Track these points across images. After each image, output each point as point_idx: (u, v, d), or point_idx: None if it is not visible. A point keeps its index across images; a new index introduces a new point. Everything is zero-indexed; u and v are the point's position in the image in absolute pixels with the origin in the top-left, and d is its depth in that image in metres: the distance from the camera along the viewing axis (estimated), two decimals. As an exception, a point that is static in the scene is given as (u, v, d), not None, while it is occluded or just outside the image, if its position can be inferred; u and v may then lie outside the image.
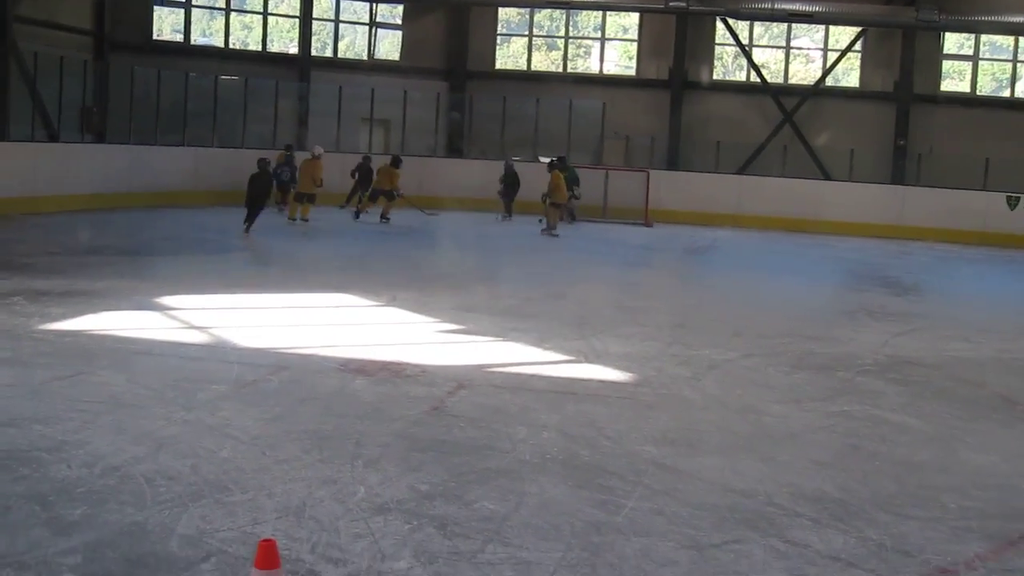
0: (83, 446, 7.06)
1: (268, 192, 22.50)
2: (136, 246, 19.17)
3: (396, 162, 26.10)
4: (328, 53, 35.37)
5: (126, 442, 7.19)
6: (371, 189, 26.18)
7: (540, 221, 25.16)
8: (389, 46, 36.10)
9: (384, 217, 25.32)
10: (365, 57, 35.59)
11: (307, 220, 23.95)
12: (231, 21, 33.54)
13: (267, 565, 4.19)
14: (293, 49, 34.48)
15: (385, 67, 34.96)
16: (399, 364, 10.07)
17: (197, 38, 33.29)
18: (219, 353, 10.31)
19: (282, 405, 8.42)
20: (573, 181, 28.28)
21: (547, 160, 26.82)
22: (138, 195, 25.65)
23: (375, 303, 13.80)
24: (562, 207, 25.78)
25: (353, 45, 36.58)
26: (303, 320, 12.52)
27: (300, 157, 26.08)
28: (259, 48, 33.82)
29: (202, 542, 5.57)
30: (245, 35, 34.95)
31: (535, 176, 28.05)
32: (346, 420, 8.05)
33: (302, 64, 33.63)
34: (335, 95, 31.92)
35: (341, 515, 6.05)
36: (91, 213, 23.14)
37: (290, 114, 32.25)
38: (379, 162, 26.68)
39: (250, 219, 21.30)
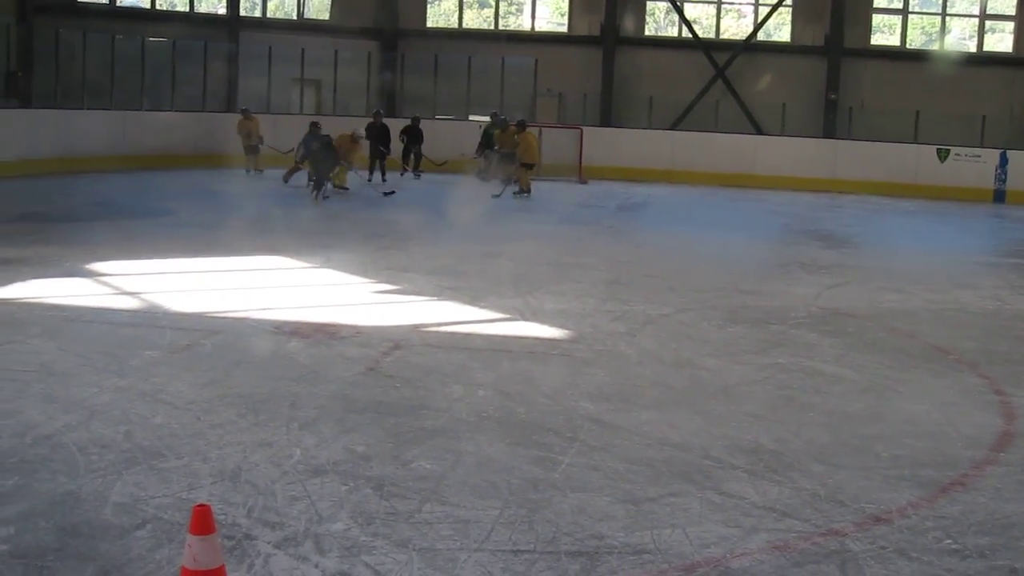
0: (14, 416, 6.98)
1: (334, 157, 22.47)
2: (65, 212, 18.88)
3: (522, 125, 25.61)
4: (257, 13, 34.97)
5: (58, 411, 7.11)
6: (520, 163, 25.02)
7: (514, 183, 24.97)
8: (319, 5, 35.81)
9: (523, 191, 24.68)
10: (295, 17, 35.25)
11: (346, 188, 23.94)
12: (158, -19, 33.09)
13: (202, 530, 4.15)
14: (222, 10, 34.07)
15: (315, 27, 34.66)
16: (334, 325, 10.04)
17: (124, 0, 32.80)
18: (151, 318, 10.20)
19: (216, 369, 8.36)
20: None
21: (518, 121, 26.07)
22: (66, 160, 25.22)
23: (309, 265, 13.73)
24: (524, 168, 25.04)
25: (283, 5, 36.19)
26: (236, 283, 12.43)
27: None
28: (187, 9, 33.37)
29: (137, 509, 5.52)
30: (173, -5, 34.50)
31: (469, 135, 28.06)
32: (281, 383, 8.01)
33: (231, 25, 33.23)
34: (265, 56, 31.60)
35: (277, 478, 6.03)
36: (18, 179, 22.78)
37: (220, 76, 31.88)
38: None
39: (319, 186, 21.72)
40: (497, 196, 23.37)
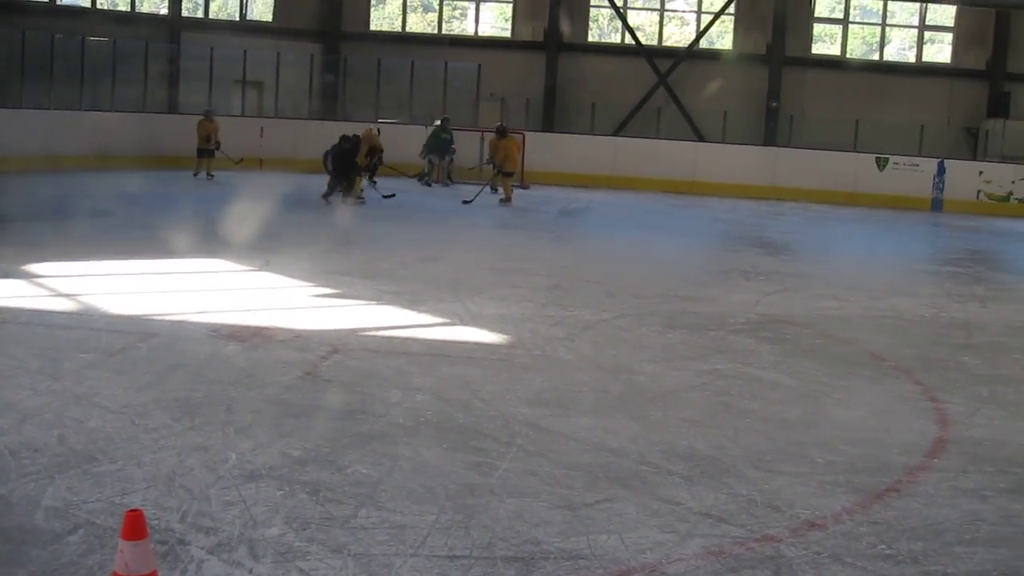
0: (-56, 418, 6.87)
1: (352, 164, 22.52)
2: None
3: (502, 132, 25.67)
4: (199, 14, 34.76)
5: (-11, 414, 7.02)
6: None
7: (496, 191, 24.98)
8: (262, 7, 35.63)
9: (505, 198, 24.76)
10: (237, 18, 35.06)
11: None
12: (98, -20, 32.76)
13: (134, 536, 4.10)
14: (163, 10, 33.85)
15: (258, 28, 34.48)
16: (272, 329, 9.97)
17: (64, -2, 32.46)
18: (87, 321, 10.09)
19: (152, 373, 8.28)
20: (449, 143, 28.20)
21: (500, 128, 26.09)
22: (2, 159, 24.87)
23: (248, 268, 13.63)
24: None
25: (225, 6, 36.00)
26: (174, 286, 12.33)
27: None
28: (128, 9, 33.06)
29: (69, 514, 5.45)
30: (114, -5, 34.17)
31: (413, 140, 28.00)
32: (217, 386, 7.95)
33: (172, 25, 33.02)
34: (206, 57, 31.34)
35: (212, 483, 5.98)
36: (-47, 178, 22.45)
37: (160, 76, 31.60)
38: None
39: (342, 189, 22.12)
40: (468, 202, 23.38)
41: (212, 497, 5.77)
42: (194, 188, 23.88)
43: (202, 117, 27.07)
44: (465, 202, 23.47)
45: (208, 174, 26.36)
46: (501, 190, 24.94)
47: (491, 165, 25.64)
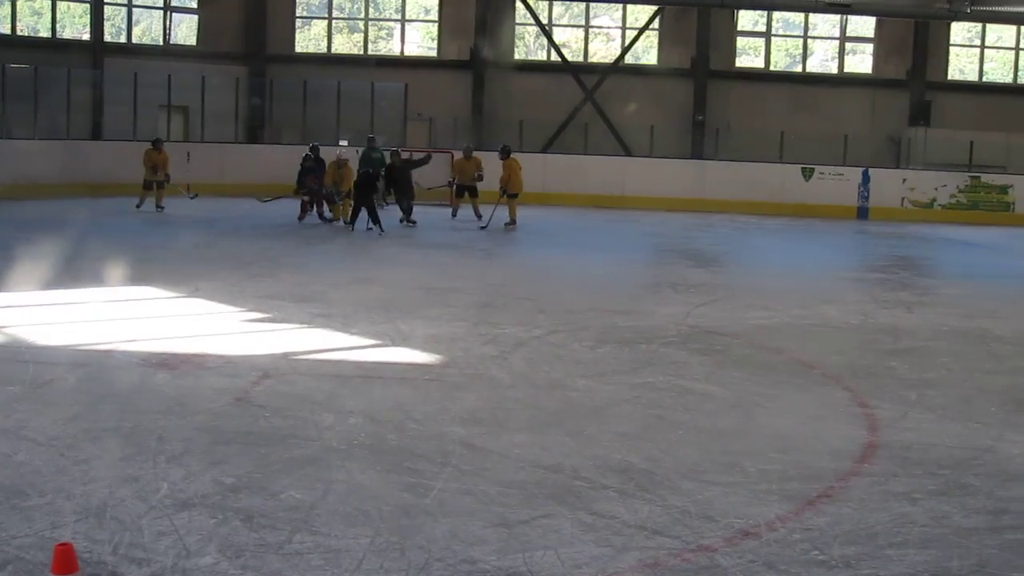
0: None
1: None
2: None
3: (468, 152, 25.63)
4: (122, 39, 34.46)
5: (-86, 450, 6.90)
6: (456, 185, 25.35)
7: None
8: (186, 30, 35.42)
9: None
10: (161, 42, 34.80)
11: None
12: (19, 6, 32.38)
13: (64, 570, 4.08)
14: (85, 35, 33.50)
15: (182, 52, 34.23)
16: (202, 356, 9.89)
17: (-18, 26, 32.06)
18: (13, 352, 9.97)
19: (80, 404, 8.19)
20: (380, 164, 28.07)
21: (501, 148, 25.59)
22: (-77, 190, 24.55)
23: (176, 295, 13.50)
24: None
25: (149, 30, 35.74)
26: (102, 315, 12.18)
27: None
28: (49, 34, 32.72)
29: (-3, 549, 5.39)
30: (35, 21, 33.76)
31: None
32: (147, 416, 7.86)
33: (95, 50, 32.69)
34: (130, 82, 31.01)
35: (144, 513, 5.92)
36: None
37: (84, 102, 31.25)
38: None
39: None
40: (484, 227, 23.32)
41: (144, 528, 5.71)
42: (120, 216, 23.60)
43: (149, 147, 25.47)
44: (482, 228, 23.38)
45: (158, 206, 24.66)
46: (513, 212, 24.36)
47: (452, 185, 25.59)
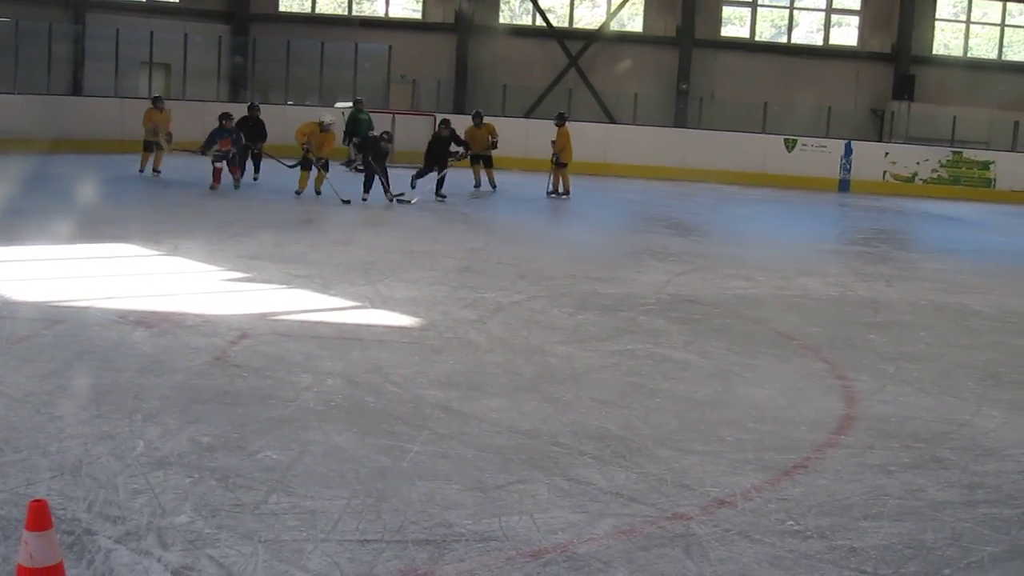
0: None
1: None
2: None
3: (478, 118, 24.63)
4: (104, -6, 34.17)
5: None
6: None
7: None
8: (169, -12, 35.13)
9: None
10: (143, -1, 34.57)
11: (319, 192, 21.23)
12: (-1, -40, 32.07)
13: (38, 526, 4.04)
14: (68, -10, 33.20)
15: (164, 9, 34.07)
16: (180, 314, 9.85)
17: (-37, -22, 31.70)
18: (-11, 307, 9.91)
19: (57, 360, 8.15)
20: (367, 126, 27.88)
21: (557, 115, 24.95)
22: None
23: (156, 252, 13.44)
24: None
25: (131, -14, 35.44)
26: (80, 272, 12.14)
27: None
28: (31, -11, 32.43)
29: (-29, 505, 5.36)
30: (16, -25, 33.45)
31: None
32: (125, 374, 7.84)
33: (77, 6, 32.37)
34: (112, 38, 30.79)
35: (119, 471, 5.90)
36: None
37: (65, 58, 31.01)
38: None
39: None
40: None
41: (119, 486, 5.69)
42: (101, 172, 23.43)
43: (150, 105, 23.79)
44: (550, 194, 23.25)
45: (154, 170, 22.91)
46: (558, 183, 23.95)
47: (467, 155, 23.86)
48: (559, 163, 23.81)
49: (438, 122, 23.68)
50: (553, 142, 23.79)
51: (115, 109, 27.04)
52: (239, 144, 21.78)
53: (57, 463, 5.99)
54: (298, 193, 21.01)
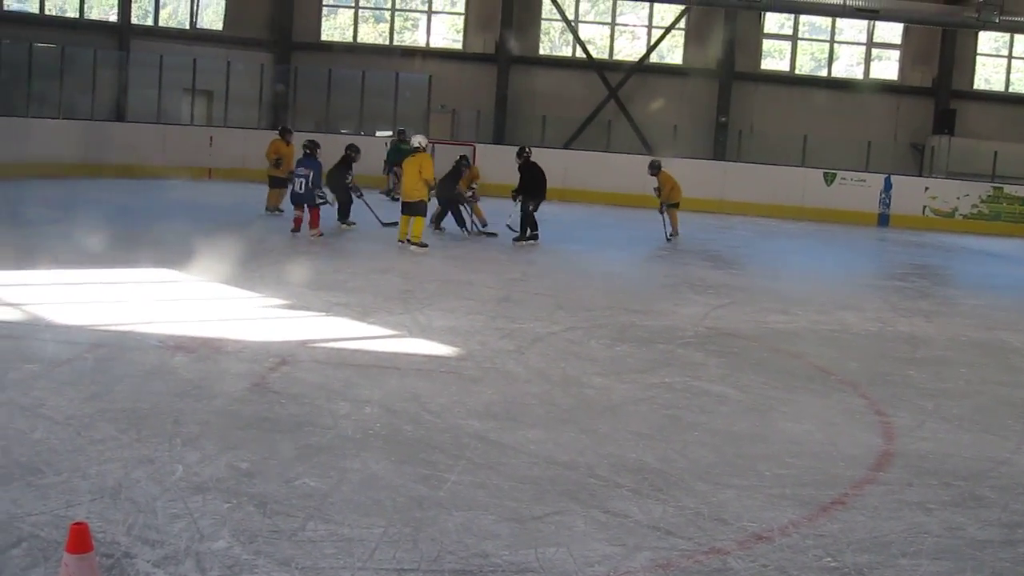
0: None
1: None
2: (-55, 220, 18.41)
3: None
4: (149, 21, 34.51)
5: (-68, 424, 6.93)
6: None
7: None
8: (212, 15, 35.48)
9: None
10: (187, 26, 34.87)
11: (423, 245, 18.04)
12: (46, -13, 32.47)
13: (79, 549, 4.07)
14: (113, 17, 33.58)
15: (208, 36, 34.38)
16: (220, 340, 9.91)
17: (11, 3, 32.07)
18: (32, 330, 10.00)
19: (98, 384, 8.20)
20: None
21: (653, 163, 23.84)
22: (-52, 167, 24.59)
23: (196, 278, 13.53)
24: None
25: (175, 13, 35.79)
26: (122, 296, 12.21)
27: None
28: (77, 15, 32.80)
29: (12, 527, 5.39)
30: (62, 1, 33.85)
31: (371, 150, 27.85)
32: (164, 398, 7.89)
33: (122, 32, 32.79)
34: (156, 65, 31.10)
35: (158, 495, 5.93)
36: None
37: (109, 84, 31.32)
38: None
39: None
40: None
41: (158, 510, 5.72)
42: (141, 197, 23.62)
43: (276, 137, 22.13)
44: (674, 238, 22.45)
45: (277, 209, 21.24)
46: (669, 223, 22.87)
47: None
48: (670, 204, 23.01)
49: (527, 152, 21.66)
50: (656, 189, 23.25)
51: (158, 135, 27.25)
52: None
53: (97, 486, 6.02)
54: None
